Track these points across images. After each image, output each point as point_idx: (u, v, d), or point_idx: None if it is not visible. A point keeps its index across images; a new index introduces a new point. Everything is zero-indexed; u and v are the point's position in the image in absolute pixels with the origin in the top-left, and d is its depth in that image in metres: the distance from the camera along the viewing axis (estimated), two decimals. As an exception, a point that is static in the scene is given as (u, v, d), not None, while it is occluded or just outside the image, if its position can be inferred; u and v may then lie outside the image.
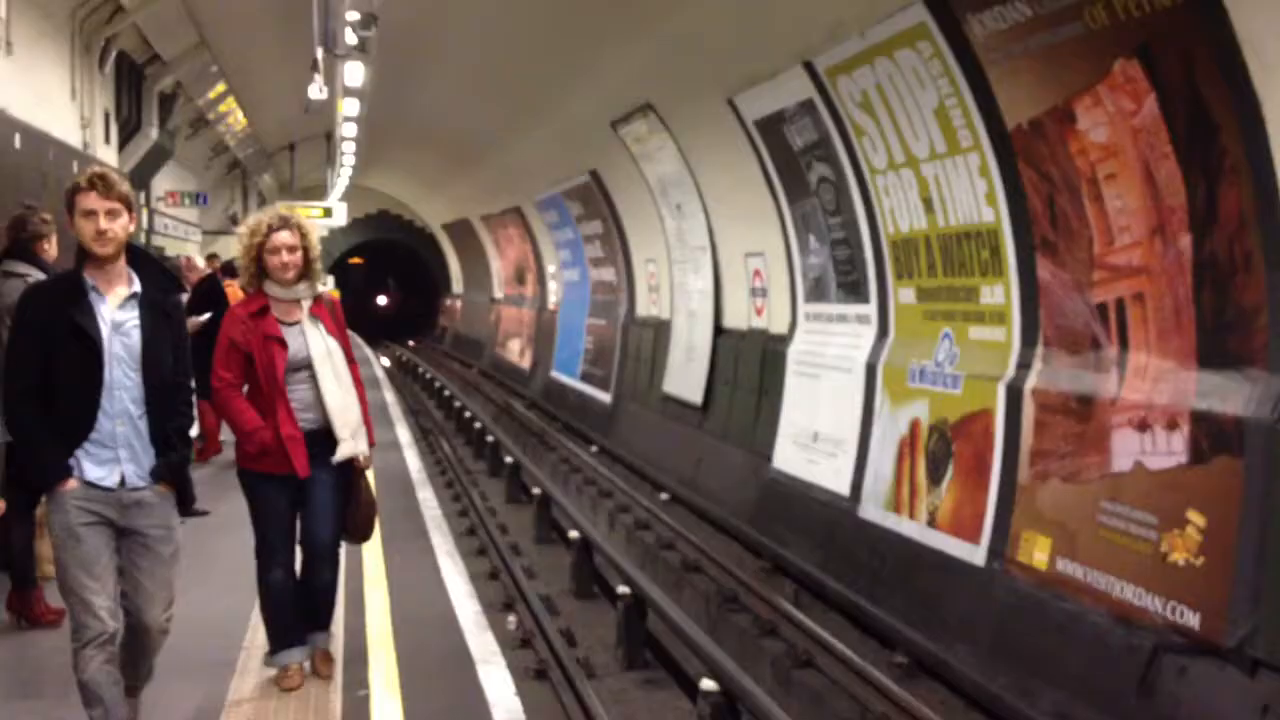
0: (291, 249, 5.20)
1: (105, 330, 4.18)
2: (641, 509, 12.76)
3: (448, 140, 24.83)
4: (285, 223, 5.23)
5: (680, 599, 9.50)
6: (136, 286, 4.28)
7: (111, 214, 4.16)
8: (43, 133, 10.72)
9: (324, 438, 5.18)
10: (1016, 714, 6.71)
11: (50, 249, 6.27)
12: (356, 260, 47.29)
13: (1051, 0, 6.47)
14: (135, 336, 4.24)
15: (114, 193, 4.16)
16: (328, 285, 20.30)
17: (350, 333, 5.85)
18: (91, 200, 4.15)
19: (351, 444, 5.26)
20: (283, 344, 5.13)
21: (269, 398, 5.09)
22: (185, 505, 4.45)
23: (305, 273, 5.28)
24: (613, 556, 9.83)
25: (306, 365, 5.18)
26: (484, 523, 12.87)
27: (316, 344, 5.22)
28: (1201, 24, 5.62)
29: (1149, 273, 6.49)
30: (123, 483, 4.23)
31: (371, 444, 5.45)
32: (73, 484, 4.16)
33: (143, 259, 4.43)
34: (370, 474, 5.60)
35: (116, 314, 4.22)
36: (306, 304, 5.28)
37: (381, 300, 54.03)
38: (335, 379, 5.22)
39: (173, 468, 4.35)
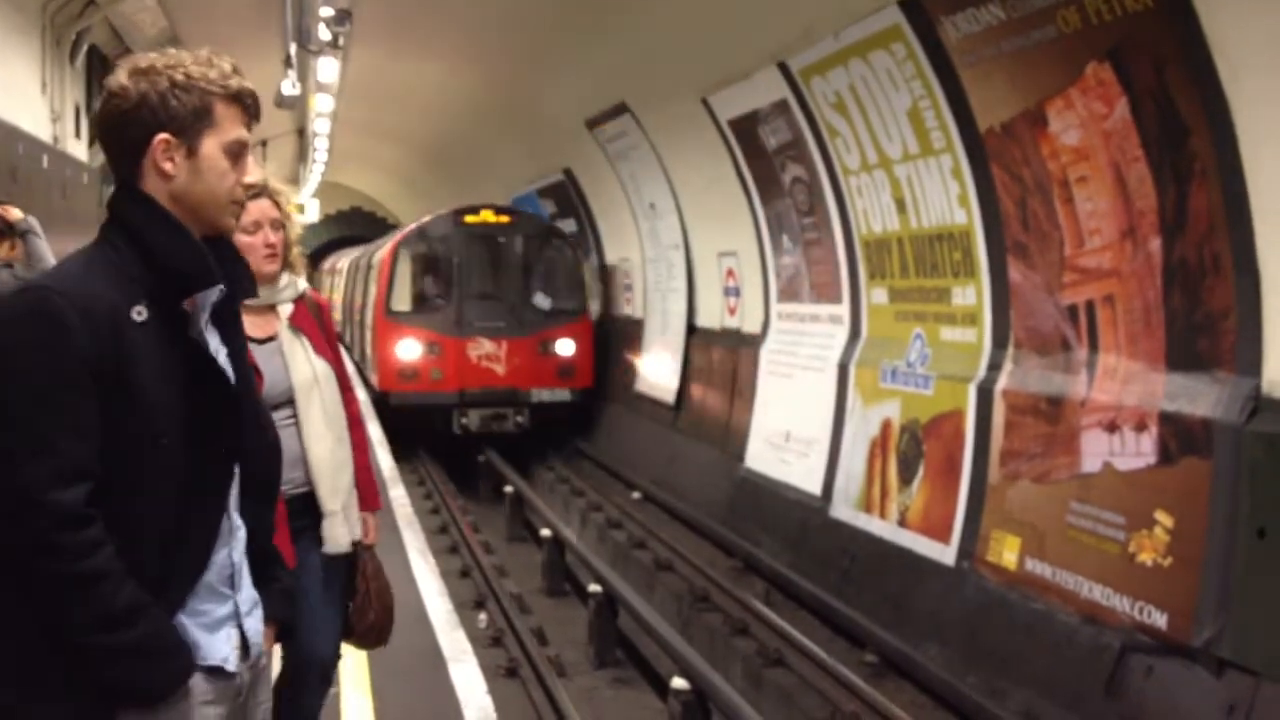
0: (275, 224, 3.60)
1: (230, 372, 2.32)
2: (614, 507, 12.76)
3: (422, 137, 24.74)
4: (264, 189, 3.55)
5: (652, 598, 9.51)
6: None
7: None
8: (12, 126, 10.62)
9: (314, 504, 3.64)
10: (985, 713, 6.74)
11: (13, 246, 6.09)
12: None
13: (1024, 4, 6.51)
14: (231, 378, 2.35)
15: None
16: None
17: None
18: (244, 127, 2.34)
19: (343, 523, 3.68)
20: (257, 372, 3.24)
21: None
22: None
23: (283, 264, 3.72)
24: (584, 555, 9.83)
25: (288, 400, 3.58)
26: (455, 521, 12.84)
27: (301, 369, 3.63)
28: (1172, 28, 5.66)
29: (1119, 275, 6.53)
30: (245, 652, 2.31)
31: (377, 508, 3.96)
32: (197, 682, 2.21)
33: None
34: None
35: (210, 338, 2.31)
36: (287, 310, 3.70)
37: None
38: (325, 420, 3.62)
39: (289, 600, 2.52)
